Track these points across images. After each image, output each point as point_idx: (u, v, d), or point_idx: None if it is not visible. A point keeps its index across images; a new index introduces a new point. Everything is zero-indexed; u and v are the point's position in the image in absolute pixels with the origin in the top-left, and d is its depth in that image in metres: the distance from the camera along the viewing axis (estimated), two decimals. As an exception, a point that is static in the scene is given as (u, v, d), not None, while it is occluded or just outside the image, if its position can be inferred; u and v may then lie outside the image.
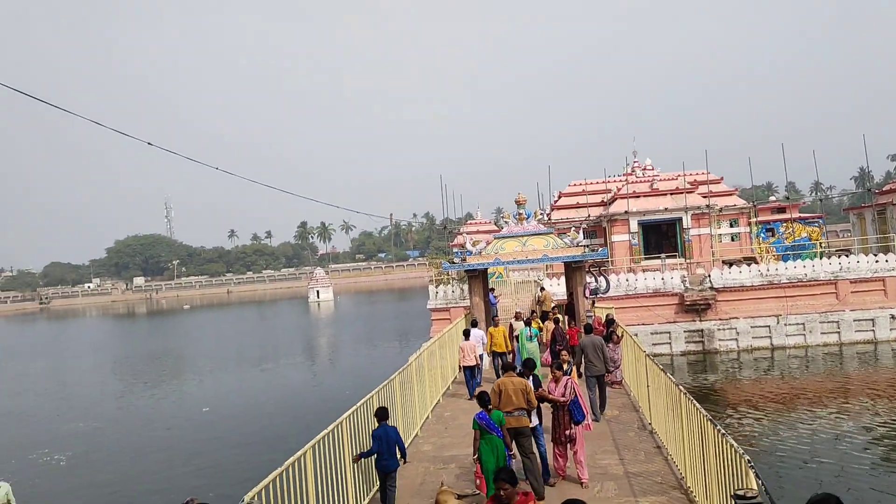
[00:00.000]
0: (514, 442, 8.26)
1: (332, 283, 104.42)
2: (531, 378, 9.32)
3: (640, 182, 36.27)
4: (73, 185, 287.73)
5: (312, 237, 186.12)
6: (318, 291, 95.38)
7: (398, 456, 8.10)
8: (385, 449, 7.81)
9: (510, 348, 15.51)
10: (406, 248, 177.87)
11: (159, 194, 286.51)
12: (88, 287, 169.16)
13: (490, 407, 8.10)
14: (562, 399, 8.76)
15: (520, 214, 18.89)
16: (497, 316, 17.90)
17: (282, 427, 21.67)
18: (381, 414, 8.04)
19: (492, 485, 8.03)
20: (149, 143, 8.67)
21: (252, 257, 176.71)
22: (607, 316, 17.18)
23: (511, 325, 16.53)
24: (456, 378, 15.94)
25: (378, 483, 8.10)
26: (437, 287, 28.44)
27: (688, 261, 32.67)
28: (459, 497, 7.62)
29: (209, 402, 27.10)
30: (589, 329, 12.90)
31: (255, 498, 5.04)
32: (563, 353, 12.67)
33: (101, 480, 17.88)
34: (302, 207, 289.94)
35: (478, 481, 7.97)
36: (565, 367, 9.85)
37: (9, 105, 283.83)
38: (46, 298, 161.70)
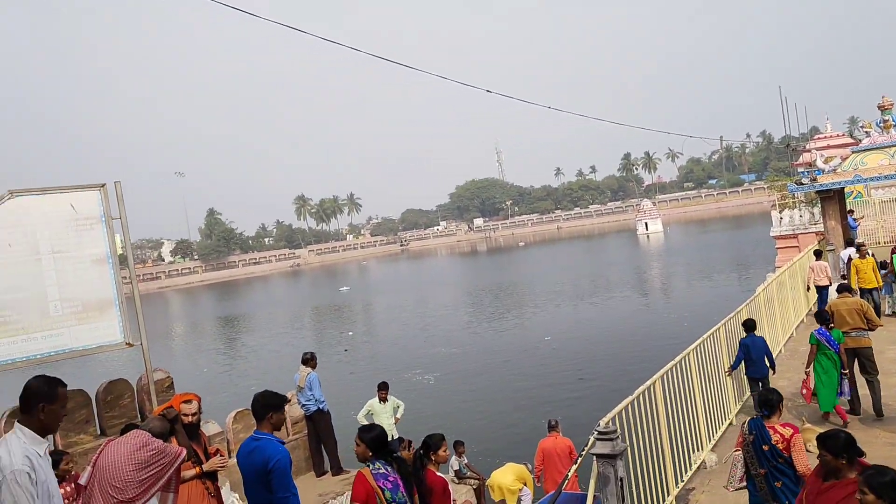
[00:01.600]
0: (854, 360, 8.18)
1: (661, 214, 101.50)
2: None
3: None
4: (420, 136, 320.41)
5: (637, 168, 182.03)
6: (646, 223, 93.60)
7: (767, 364, 8.67)
8: (757, 356, 8.50)
9: (880, 284, 13.41)
10: (739, 173, 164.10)
11: (490, 140, 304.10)
12: (437, 229, 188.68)
13: (831, 325, 8.15)
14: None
15: (885, 122, 16.15)
16: (864, 244, 14.83)
17: (621, 355, 22.08)
18: (750, 325, 8.65)
19: (825, 401, 7.98)
20: (488, 91, 9.26)
21: (578, 193, 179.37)
22: None
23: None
24: (811, 310, 14.48)
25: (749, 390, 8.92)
26: (780, 212, 25.88)
27: None
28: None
29: (550, 332, 28.65)
30: None
31: (609, 423, 5.24)
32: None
33: (464, 398, 20.21)
34: (625, 140, 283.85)
35: (804, 391, 8.26)
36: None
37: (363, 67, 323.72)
38: (405, 241, 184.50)
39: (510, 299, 43.50)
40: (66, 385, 3.52)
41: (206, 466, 5.18)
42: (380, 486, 4.36)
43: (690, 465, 7.10)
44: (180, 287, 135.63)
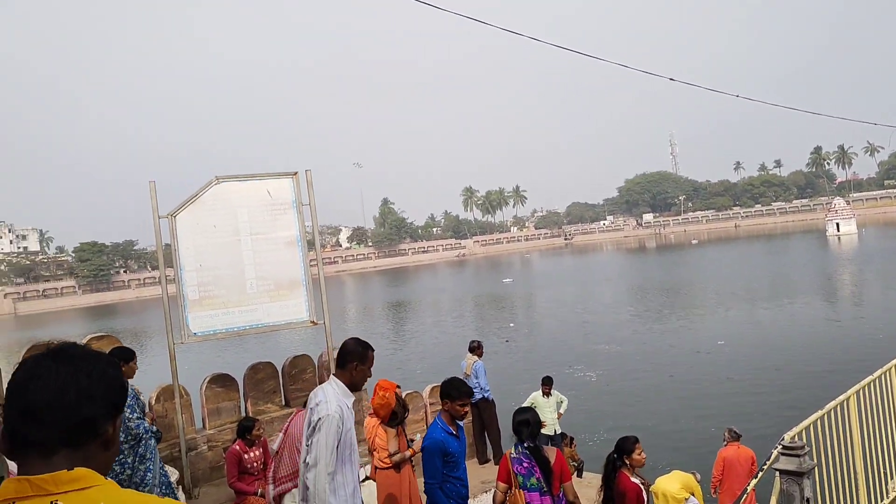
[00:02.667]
0: None
1: (855, 214, 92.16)
2: None
3: None
4: (586, 127, 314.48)
5: (828, 163, 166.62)
6: (837, 224, 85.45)
7: None
8: None
9: None
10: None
11: (663, 132, 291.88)
12: (603, 224, 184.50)
13: None
14: None
15: None
16: None
17: (804, 366, 20.39)
18: None
19: None
20: (671, 79, 8.86)
21: (760, 189, 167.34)
22: None
23: None
24: None
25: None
26: None
27: None
28: None
29: (723, 335, 27.05)
30: None
31: (796, 438, 4.85)
32: None
33: (626, 398, 19.62)
34: (815, 132, 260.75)
35: None
36: None
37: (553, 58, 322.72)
38: (570, 234, 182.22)
39: (680, 299, 41.59)
40: (374, 350, 4.01)
41: (414, 447, 5.51)
42: (514, 471, 4.63)
43: (886, 494, 6.39)
44: (355, 272, 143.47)
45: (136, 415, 5.23)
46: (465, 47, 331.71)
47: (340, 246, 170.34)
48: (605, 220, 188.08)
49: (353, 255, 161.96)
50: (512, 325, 37.75)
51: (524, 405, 11.03)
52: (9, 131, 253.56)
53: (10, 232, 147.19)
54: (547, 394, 11.11)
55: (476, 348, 9.91)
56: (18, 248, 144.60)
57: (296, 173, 7.99)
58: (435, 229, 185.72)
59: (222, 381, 7.99)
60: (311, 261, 8.04)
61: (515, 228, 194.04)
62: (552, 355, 27.06)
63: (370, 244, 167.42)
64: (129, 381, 6.26)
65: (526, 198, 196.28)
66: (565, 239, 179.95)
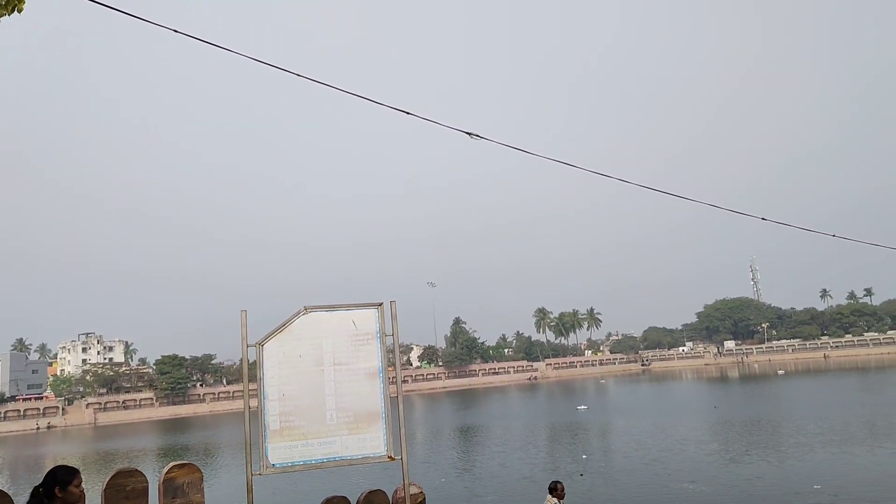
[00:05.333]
0: None
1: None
2: None
3: None
4: (665, 255, 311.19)
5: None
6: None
7: None
8: None
9: None
10: None
11: (744, 256, 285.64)
12: (682, 350, 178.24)
13: None
14: None
15: None
16: None
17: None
18: None
19: None
20: (763, 219, 8.73)
21: (850, 318, 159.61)
22: None
23: None
24: None
25: None
26: None
27: None
28: None
29: (819, 478, 24.98)
30: None
31: None
32: None
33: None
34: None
35: None
36: None
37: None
38: (647, 360, 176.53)
39: (769, 435, 38.97)
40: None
41: None
42: None
43: None
44: (424, 392, 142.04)
45: None
46: (555, 187, 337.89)
47: (411, 364, 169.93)
48: (685, 346, 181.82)
49: (423, 375, 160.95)
50: (585, 456, 36.04)
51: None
52: (128, 254, 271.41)
53: (98, 343, 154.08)
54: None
55: (554, 489, 9.43)
56: (105, 358, 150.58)
57: (381, 304, 8.08)
58: (506, 350, 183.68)
59: (297, 516, 7.80)
60: (391, 394, 7.96)
61: (590, 352, 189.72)
62: (630, 492, 25.52)
63: (440, 364, 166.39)
64: None
65: (601, 321, 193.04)
66: (642, 364, 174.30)
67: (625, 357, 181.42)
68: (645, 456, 34.41)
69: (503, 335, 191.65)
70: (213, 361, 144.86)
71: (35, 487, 4.39)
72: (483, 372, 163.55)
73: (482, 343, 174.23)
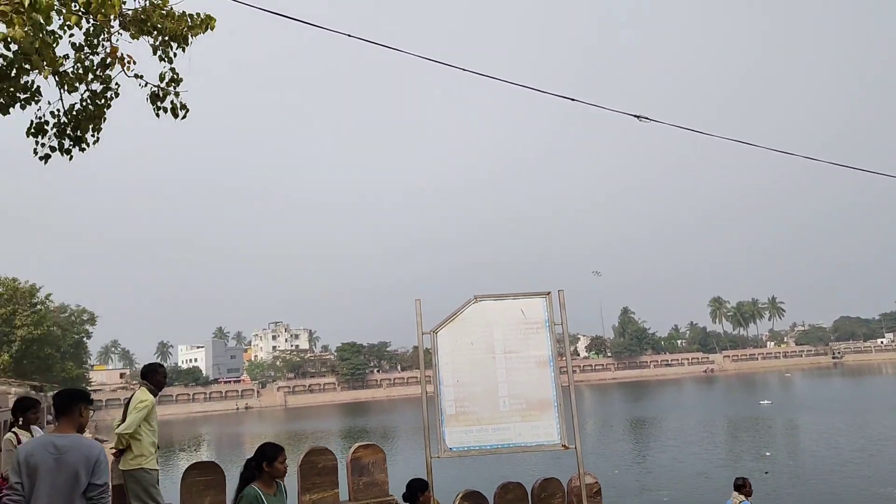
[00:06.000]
0: None
1: None
2: None
3: None
4: (857, 235, 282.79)
5: None
6: None
7: None
8: None
9: None
10: None
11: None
12: (881, 342, 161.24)
13: None
14: None
15: None
16: None
17: None
18: None
19: None
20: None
21: None
22: None
23: None
24: None
25: None
26: None
27: None
28: None
29: None
30: None
31: None
32: None
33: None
34: None
35: None
36: None
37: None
38: (839, 353, 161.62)
39: None
40: None
41: None
42: None
43: None
44: (593, 382, 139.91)
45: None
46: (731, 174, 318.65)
47: (578, 355, 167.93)
48: (883, 337, 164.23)
49: (591, 366, 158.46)
50: (768, 453, 33.74)
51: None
52: (314, 249, 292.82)
53: (285, 331, 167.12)
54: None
55: (742, 486, 8.97)
56: (292, 346, 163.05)
57: (548, 293, 8.10)
58: (679, 341, 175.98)
59: (474, 499, 8.04)
60: (563, 383, 7.97)
61: (772, 343, 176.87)
62: (823, 494, 23.59)
63: (609, 355, 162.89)
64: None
65: (784, 310, 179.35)
66: (834, 357, 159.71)
67: (812, 349, 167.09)
68: (837, 456, 31.61)
69: (675, 325, 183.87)
70: (388, 349, 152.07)
71: (247, 460, 4.93)
72: (655, 363, 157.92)
73: (653, 334, 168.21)
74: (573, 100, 7.84)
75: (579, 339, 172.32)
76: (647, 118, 7.83)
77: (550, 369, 7.88)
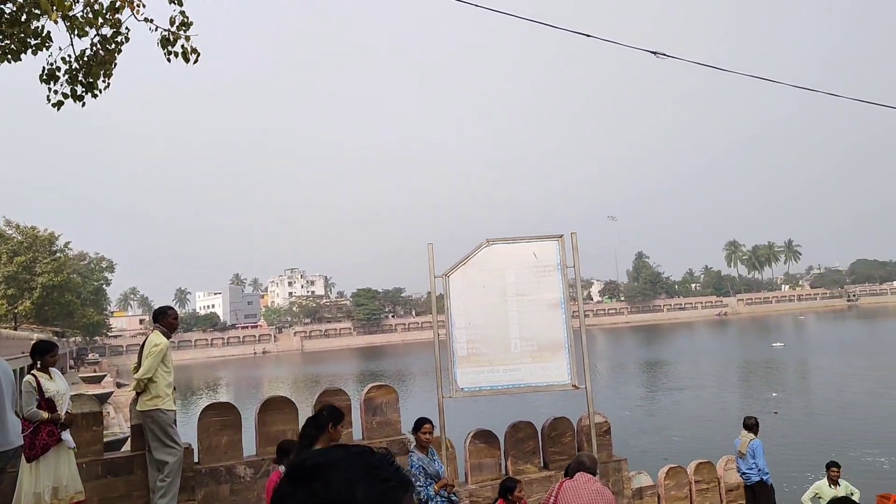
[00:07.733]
0: None
1: None
2: None
3: None
4: (873, 178, 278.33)
5: None
6: None
7: None
8: None
9: None
10: None
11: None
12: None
13: None
14: None
15: None
16: None
17: None
18: None
19: None
20: None
21: None
22: None
23: None
24: None
25: None
26: None
27: None
28: None
29: None
30: None
31: None
32: None
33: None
34: None
35: None
36: None
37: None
38: (854, 296, 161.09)
39: None
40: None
41: None
42: None
43: None
44: (606, 326, 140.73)
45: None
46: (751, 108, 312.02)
47: (592, 299, 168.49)
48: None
49: (604, 310, 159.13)
50: (775, 394, 34.06)
51: (807, 495, 9.81)
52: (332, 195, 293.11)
53: (301, 277, 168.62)
54: (834, 482, 9.76)
55: (753, 425, 9.09)
56: (308, 292, 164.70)
57: (561, 236, 8.11)
58: (693, 285, 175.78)
59: (485, 438, 8.24)
60: (574, 326, 8.04)
61: (787, 287, 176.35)
62: (833, 435, 23.85)
63: (622, 299, 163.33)
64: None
65: (800, 254, 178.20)
66: (848, 300, 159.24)
67: (827, 292, 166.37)
68: (851, 397, 31.86)
69: (690, 269, 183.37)
70: (402, 294, 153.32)
71: (309, 418, 5.03)
72: (668, 307, 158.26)
73: (667, 278, 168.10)
74: (588, 35, 7.67)
75: (593, 283, 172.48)
76: (664, 54, 7.66)
77: (562, 311, 7.95)
